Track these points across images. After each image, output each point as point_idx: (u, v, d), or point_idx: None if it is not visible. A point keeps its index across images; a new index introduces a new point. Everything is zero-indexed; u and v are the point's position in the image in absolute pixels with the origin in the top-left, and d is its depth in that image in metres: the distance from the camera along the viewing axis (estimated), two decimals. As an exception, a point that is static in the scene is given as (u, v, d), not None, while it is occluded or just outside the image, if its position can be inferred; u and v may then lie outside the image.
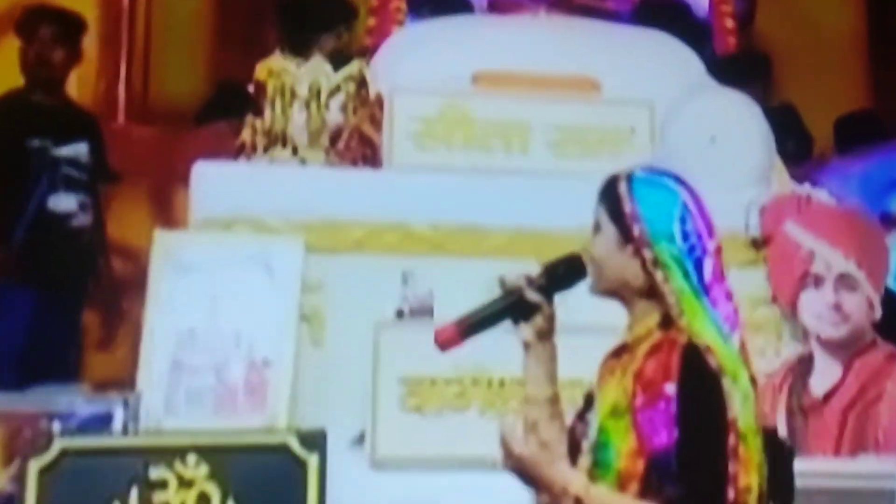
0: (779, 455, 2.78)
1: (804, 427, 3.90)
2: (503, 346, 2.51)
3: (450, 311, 3.56)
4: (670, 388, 2.13)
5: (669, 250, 2.22)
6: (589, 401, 2.35)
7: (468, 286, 3.56)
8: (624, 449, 2.15)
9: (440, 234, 4.01)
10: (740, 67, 5.47)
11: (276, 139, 4.10)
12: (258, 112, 4.14)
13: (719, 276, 2.29)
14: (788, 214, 4.17)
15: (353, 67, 4.23)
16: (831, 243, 4.08)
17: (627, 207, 2.25)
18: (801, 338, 4.06)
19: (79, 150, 4.84)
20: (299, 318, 3.68)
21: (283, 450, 3.13)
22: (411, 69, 4.39)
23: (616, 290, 2.28)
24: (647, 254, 2.22)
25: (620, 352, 2.31)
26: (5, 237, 4.70)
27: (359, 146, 4.18)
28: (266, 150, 4.10)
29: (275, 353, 3.55)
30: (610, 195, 2.29)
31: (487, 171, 4.18)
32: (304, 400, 3.61)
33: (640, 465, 2.12)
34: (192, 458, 3.12)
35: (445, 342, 2.29)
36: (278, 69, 4.16)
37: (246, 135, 4.12)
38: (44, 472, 3.05)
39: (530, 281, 2.36)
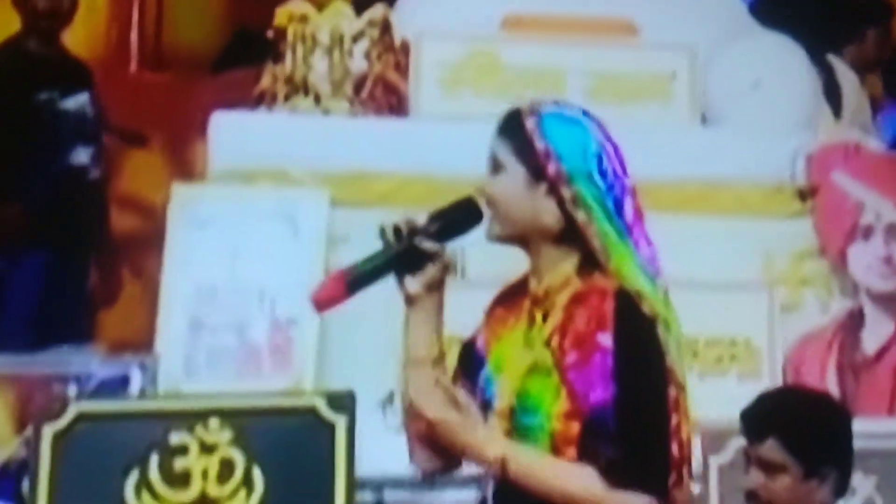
0: (834, 419, 2.66)
1: (856, 386, 3.82)
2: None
3: (481, 268, 3.52)
4: (605, 339, 2.01)
5: (588, 189, 2.07)
6: (473, 355, 2.18)
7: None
8: (555, 411, 2.02)
9: (470, 186, 3.90)
10: (858, 11, 5.28)
11: (298, 88, 4.03)
12: (278, 59, 4.07)
13: (639, 217, 2.15)
14: (836, 163, 4.09)
15: (377, 12, 4.15)
16: (881, 193, 4.02)
17: (539, 144, 2.08)
18: (850, 292, 3.98)
19: (82, 100, 4.75)
20: (325, 274, 3.48)
21: (310, 413, 3.07)
22: (437, 13, 4.29)
23: (521, 235, 2.10)
24: (566, 192, 2.06)
25: (516, 298, 2.15)
26: (21, 194, 4.62)
27: (384, 94, 4.11)
28: (287, 99, 4.04)
29: (300, 312, 3.47)
30: (515, 131, 2.12)
31: None
32: (331, 360, 3.54)
33: (575, 428, 2.01)
34: (214, 422, 3.07)
35: (327, 300, 2.06)
36: (299, 14, 4.09)
37: (266, 83, 4.06)
38: (58, 438, 3.00)
39: (420, 228, 2.14)
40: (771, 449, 2.61)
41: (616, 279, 2.05)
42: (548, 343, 2.06)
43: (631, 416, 1.99)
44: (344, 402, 3.07)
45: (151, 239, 3.99)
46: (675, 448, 2.02)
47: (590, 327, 2.03)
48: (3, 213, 4.60)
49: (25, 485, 3.00)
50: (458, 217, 2.12)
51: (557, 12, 4.28)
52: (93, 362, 3.19)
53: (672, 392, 2.02)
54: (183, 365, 3.40)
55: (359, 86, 4.05)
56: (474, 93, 4.13)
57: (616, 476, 1.99)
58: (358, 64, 4.06)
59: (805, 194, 4.06)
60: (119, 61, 5.76)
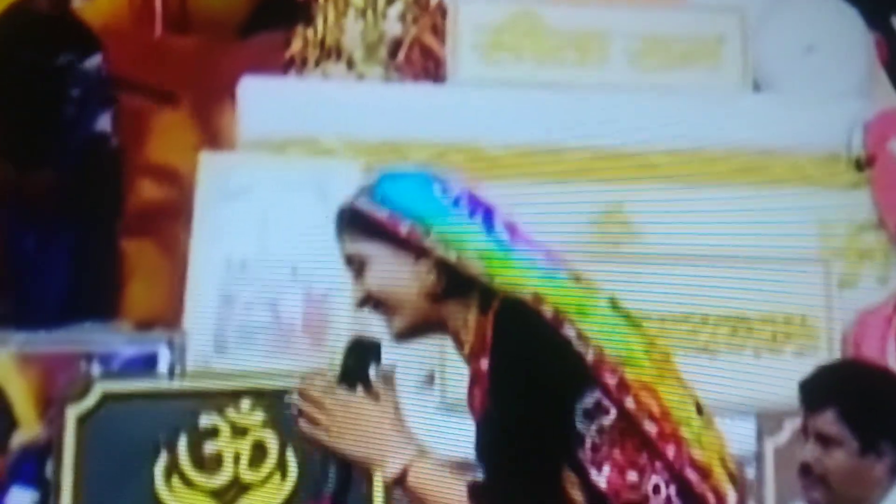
0: (895, 395, 2.56)
1: (918, 362, 3.71)
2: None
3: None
4: (483, 364, 1.88)
5: (450, 225, 1.95)
6: None
7: (541, 211, 3.42)
8: None
9: (511, 155, 3.87)
10: None
11: (330, 52, 3.99)
12: (309, 22, 4.03)
13: (512, 226, 1.99)
14: (894, 132, 4.00)
15: None
16: (942, 161, 3.92)
17: (381, 214, 1.96)
18: (911, 266, 3.89)
19: (97, 63, 4.65)
20: None
21: None
22: None
23: (422, 313, 1.97)
24: (429, 242, 1.94)
25: None
26: (46, 161, 4.53)
27: (420, 59, 4.05)
28: (318, 63, 4.00)
29: (334, 286, 3.36)
30: (353, 221, 1.99)
31: (561, 85, 4.01)
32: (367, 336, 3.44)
33: None
34: (245, 402, 3.01)
35: None
36: None
37: (296, 47, 4.02)
38: (83, 419, 2.94)
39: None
40: (828, 421, 2.53)
41: (501, 295, 1.92)
42: None
43: (493, 433, 1.87)
44: (384, 380, 2.96)
45: (179, 210, 3.92)
46: (650, 426, 1.86)
47: (475, 361, 1.92)
48: (35, 179, 4.52)
49: (49, 469, 2.91)
50: (355, 365, 1.97)
51: None
52: (118, 340, 3.10)
53: (609, 378, 1.85)
54: (213, 342, 3.32)
55: (393, 50, 3.99)
56: (515, 57, 4.07)
57: (474, 501, 1.85)
58: (393, 26, 4.01)
59: (861, 164, 3.98)
60: (143, 25, 5.67)
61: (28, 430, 3.07)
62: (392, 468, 1.88)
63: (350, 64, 3.97)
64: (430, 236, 1.94)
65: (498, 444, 1.85)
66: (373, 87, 3.94)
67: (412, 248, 1.94)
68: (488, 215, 1.98)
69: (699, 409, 1.95)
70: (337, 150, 3.70)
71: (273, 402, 2.99)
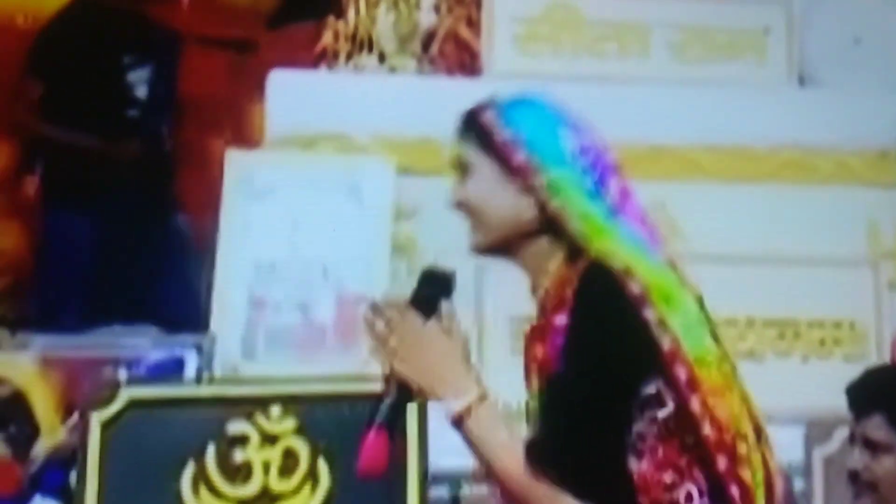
0: None
1: None
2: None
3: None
4: (560, 320, 1.88)
5: (564, 173, 1.95)
6: None
7: None
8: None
9: None
10: None
11: (361, 44, 3.95)
12: (340, 13, 3.99)
13: (626, 192, 2.00)
14: None
15: None
16: None
17: (502, 135, 1.97)
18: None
19: (171, 67, 4.72)
20: (392, 248, 3.50)
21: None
22: None
23: (506, 239, 1.98)
24: (539, 182, 1.95)
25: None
26: (131, 131, 4.57)
27: (454, 51, 4.01)
28: (350, 57, 3.96)
29: (366, 288, 3.33)
30: (475, 127, 2.01)
31: (601, 78, 3.95)
32: None
33: None
34: (275, 409, 2.92)
35: (376, 465, 1.91)
36: None
37: (327, 39, 3.96)
38: (108, 426, 2.87)
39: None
40: (876, 426, 2.51)
41: (592, 257, 1.91)
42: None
43: (564, 391, 1.84)
44: (416, 388, 2.90)
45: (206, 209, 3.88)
46: (709, 430, 1.83)
47: (549, 313, 1.91)
48: (123, 148, 4.50)
49: (73, 476, 2.86)
50: (429, 294, 1.95)
51: None
52: (145, 343, 3.04)
53: (682, 372, 1.84)
54: (241, 346, 3.27)
55: (427, 42, 3.95)
56: (552, 50, 4.00)
57: (532, 460, 1.82)
58: (426, 18, 3.97)
59: (914, 161, 3.90)
60: (168, 16, 5.67)
61: (51, 437, 3.02)
62: (455, 405, 1.87)
63: (382, 57, 3.93)
64: (541, 176, 1.95)
65: (567, 404, 1.83)
66: (406, 80, 3.88)
67: (520, 178, 1.95)
68: (605, 174, 1.98)
69: (758, 432, 1.90)
70: (369, 147, 3.64)
71: (304, 408, 2.92)
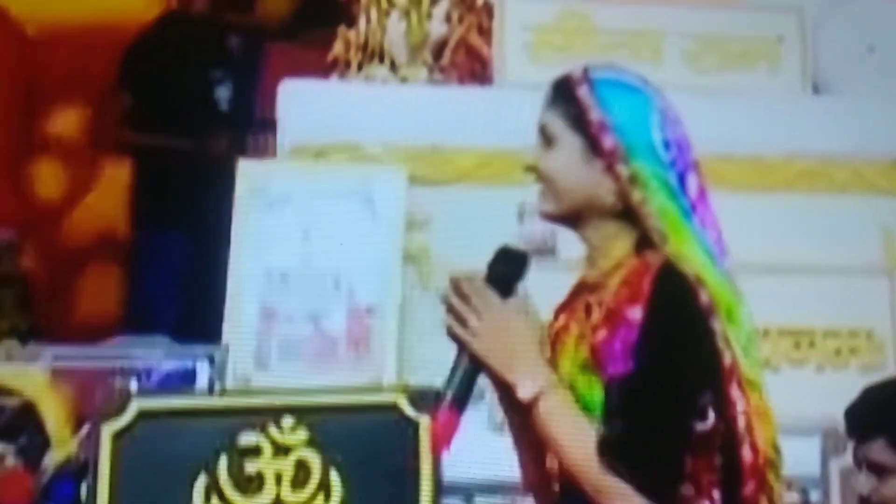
0: None
1: None
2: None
3: (577, 251, 3.40)
4: (633, 313, 1.88)
5: (649, 165, 1.95)
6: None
7: None
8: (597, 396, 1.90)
9: None
10: None
11: (373, 54, 3.95)
12: (351, 23, 3.99)
13: (703, 195, 2.00)
14: None
15: None
16: None
17: (594, 114, 1.97)
18: None
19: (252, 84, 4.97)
20: (404, 259, 3.51)
21: (392, 410, 2.92)
22: None
23: (577, 212, 1.99)
24: (623, 170, 1.95)
25: (580, 291, 2.01)
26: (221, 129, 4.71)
27: (466, 60, 4.01)
28: (361, 66, 3.96)
29: (378, 299, 3.36)
30: (567, 100, 2.00)
31: None
32: (413, 351, 3.40)
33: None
34: (287, 420, 2.91)
35: (448, 433, 1.93)
36: None
37: (338, 49, 3.96)
38: (119, 437, 2.86)
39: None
40: (880, 450, 2.46)
41: (665, 255, 1.92)
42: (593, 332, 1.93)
43: (639, 392, 1.85)
44: (428, 399, 2.89)
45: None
46: (747, 453, 1.86)
47: (622, 302, 1.91)
48: (216, 145, 4.65)
49: (83, 488, 2.86)
50: (506, 272, 1.95)
51: None
52: (156, 354, 3.04)
53: (734, 392, 1.86)
54: (253, 357, 3.28)
55: (438, 51, 3.95)
56: (564, 58, 3.95)
57: (604, 455, 1.83)
58: (437, 27, 3.97)
59: (931, 168, 3.89)
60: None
61: (62, 449, 3.02)
62: (528, 389, 1.88)
63: (393, 66, 3.93)
64: (627, 165, 1.94)
65: (642, 405, 1.85)
66: (417, 90, 3.89)
67: (606, 161, 1.95)
68: (687, 171, 1.97)
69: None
70: (380, 157, 3.65)
71: (316, 419, 2.92)
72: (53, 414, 3.03)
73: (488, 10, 4.03)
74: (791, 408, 3.46)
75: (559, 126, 1.98)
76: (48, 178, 4.81)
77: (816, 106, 4.01)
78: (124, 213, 4.79)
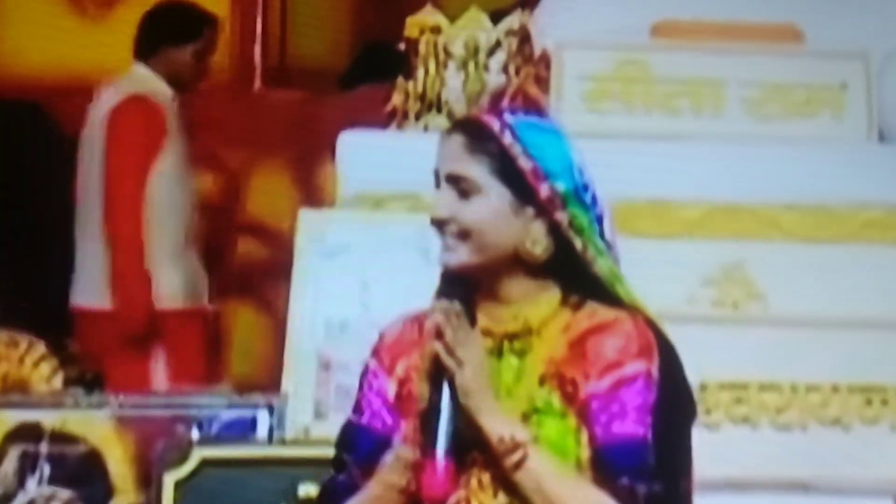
0: None
1: None
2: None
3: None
4: (635, 368, 1.91)
5: (582, 211, 1.95)
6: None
7: (653, 270, 3.35)
8: (582, 454, 1.93)
9: (620, 211, 3.74)
10: None
11: (431, 104, 3.98)
12: (409, 74, 4.03)
13: (614, 237, 2.02)
14: None
15: (515, 20, 4.08)
16: None
17: (526, 163, 1.94)
18: None
19: None
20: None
21: None
22: (580, 20, 4.21)
23: (498, 265, 1.95)
24: (562, 217, 1.93)
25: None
26: None
27: (523, 110, 4.02)
28: (419, 116, 3.99)
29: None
30: (489, 149, 1.96)
31: (674, 136, 3.97)
32: None
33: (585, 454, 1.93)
34: (346, 471, 2.94)
35: (446, 493, 1.89)
36: (431, 24, 4.05)
37: (397, 100, 4.00)
38: (181, 486, 2.96)
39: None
40: None
41: (629, 305, 1.97)
42: (542, 382, 1.95)
43: (672, 450, 1.94)
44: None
45: (278, 269, 3.95)
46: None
47: (618, 356, 1.94)
48: None
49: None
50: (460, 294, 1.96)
51: (713, 17, 4.15)
52: (218, 403, 3.12)
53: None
54: (312, 407, 3.32)
55: (496, 101, 3.96)
56: (623, 107, 4.03)
57: None
58: (495, 78, 4.00)
59: None
60: (242, 78, 5.78)
61: (125, 497, 3.10)
62: (519, 436, 1.88)
63: (451, 117, 3.93)
64: (563, 210, 1.93)
65: (677, 463, 1.92)
66: (475, 140, 3.96)
67: (536, 209, 1.94)
68: (602, 214, 1.98)
69: None
70: (439, 206, 3.71)
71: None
72: (117, 462, 3.10)
73: (546, 61, 4.06)
74: (863, 468, 3.47)
75: (481, 175, 1.94)
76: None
77: (883, 154, 4.00)
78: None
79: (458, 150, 2.00)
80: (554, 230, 1.94)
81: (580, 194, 1.96)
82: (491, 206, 1.95)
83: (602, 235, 1.98)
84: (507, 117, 2.00)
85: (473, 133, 2.00)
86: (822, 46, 4.16)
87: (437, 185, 2.04)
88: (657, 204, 3.81)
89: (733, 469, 3.38)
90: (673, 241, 3.76)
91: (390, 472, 1.95)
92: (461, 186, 1.98)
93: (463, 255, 1.97)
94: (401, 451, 1.95)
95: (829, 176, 3.88)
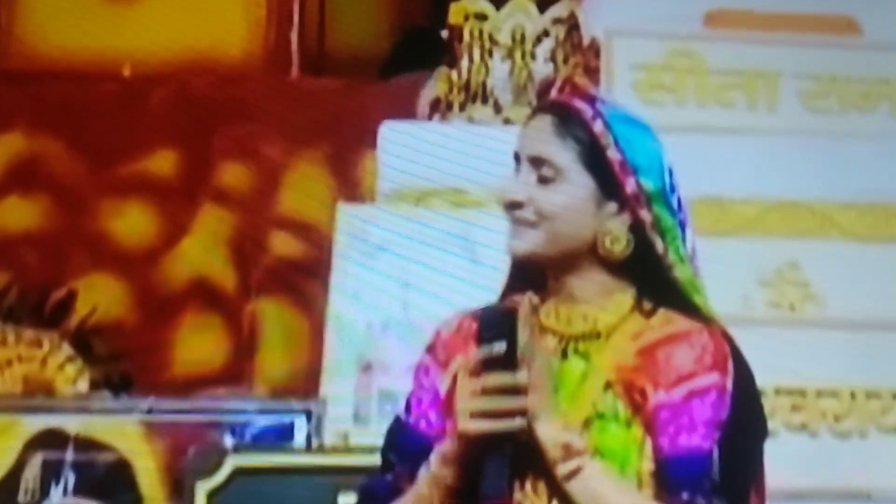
0: None
1: None
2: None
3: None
4: (707, 380, 1.81)
5: (666, 212, 1.85)
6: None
7: (710, 270, 3.26)
8: (644, 466, 1.82)
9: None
10: None
11: (475, 95, 3.92)
12: (453, 63, 3.97)
13: (695, 251, 1.90)
14: None
15: (563, 8, 4.03)
16: None
17: (615, 155, 1.84)
18: None
19: None
20: None
21: None
22: (631, 8, 4.10)
23: (570, 258, 1.85)
24: (646, 216, 1.84)
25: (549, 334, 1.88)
26: None
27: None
28: (463, 107, 3.93)
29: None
30: (578, 134, 1.86)
31: (727, 130, 3.87)
32: None
33: (647, 467, 1.83)
34: (388, 481, 2.82)
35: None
36: (475, 11, 4.00)
37: (440, 89, 3.95)
38: (213, 495, 2.85)
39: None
40: None
41: (707, 316, 1.85)
42: (607, 388, 1.84)
43: (739, 468, 1.83)
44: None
45: (315, 265, 3.85)
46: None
47: (692, 367, 1.82)
48: None
49: (177, 548, 2.83)
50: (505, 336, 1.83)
51: (768, 7, 4.05)
52: (252, 408, 3.00)
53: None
54: (352, 412, 3.20)
55: (543, 92, 3.89)
56: (675, 98, 3.93)
57: None
58: (542, 67, 3.94)
59: None
60: (279, 66, 5.70)
61: (156, 506, 2.99)
62: (578, 444, 1.79)
63: (497, 108, 3.90)
64: (648, 209, 1.83)
65: (748, 479, 1.85)
66: (521, 132, 3.88)
67: (620, 204, 1.84)
68: (685, 223, 1.87)
69: None
70: (483, 201, 3.56)
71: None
72: (147, 471, 3.00)
73: (595, 50, 3.97)
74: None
75: (567, 160, 1.85)
76: (142, 222, 4.82)
77: (944, 149, 3.91)
78: (220, 258, 4.80)
79: (545, 133, 1.88)
80: (635, 229, 1.83)
81: (667, 195, 1.85)
82: (572, 194, 1.84)
83: (685, 243, 1.86)
84: (600, 105, 1.89)
85: (563, 117, 1.88)
86: (880, 39, 4.05)
87: (517, 167, 1.90)
88: (709, 201, 3.71)
89: (792, 478, 3.26)
90: (726, 240, 3.66)
91: (437, 467, 1.83)
92: (543, 171, 1.86)
93: (534, 242, 1.85)
94: (446, 447, 1.83)
95: (888, 172, 3.77)
